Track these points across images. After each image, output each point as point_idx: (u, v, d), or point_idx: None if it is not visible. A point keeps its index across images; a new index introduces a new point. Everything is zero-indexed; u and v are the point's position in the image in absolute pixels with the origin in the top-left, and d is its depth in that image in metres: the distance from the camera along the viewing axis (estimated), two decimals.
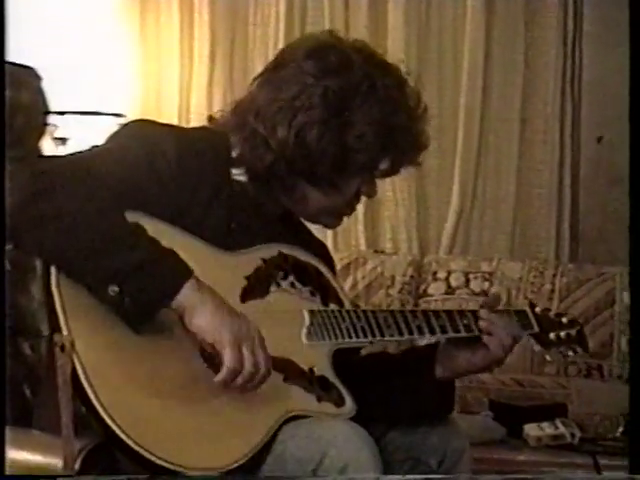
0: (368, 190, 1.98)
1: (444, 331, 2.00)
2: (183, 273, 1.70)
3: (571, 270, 3.54)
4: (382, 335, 1.95)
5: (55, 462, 1.66)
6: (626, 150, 3.71)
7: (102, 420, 1.61)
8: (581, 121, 3.87)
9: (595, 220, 3.84)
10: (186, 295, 1.68)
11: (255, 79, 1.96)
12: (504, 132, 3.89)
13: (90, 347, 1.66)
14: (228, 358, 1.70)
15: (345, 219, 2.03)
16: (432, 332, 1.99)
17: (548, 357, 2.23)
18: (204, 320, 1.70)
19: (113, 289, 1.66)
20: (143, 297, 1.68)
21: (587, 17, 3.83)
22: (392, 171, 1.98)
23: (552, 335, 2.17)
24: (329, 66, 1.88)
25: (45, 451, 1.70)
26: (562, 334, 2.18)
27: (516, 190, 3.87)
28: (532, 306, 2.19)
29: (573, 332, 2.20)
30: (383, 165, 1.94)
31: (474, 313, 2.04)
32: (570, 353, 2.20)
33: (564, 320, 2.21)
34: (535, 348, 2.16)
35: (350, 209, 2.00)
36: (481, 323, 2.01)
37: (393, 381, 2.02)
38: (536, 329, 2.15)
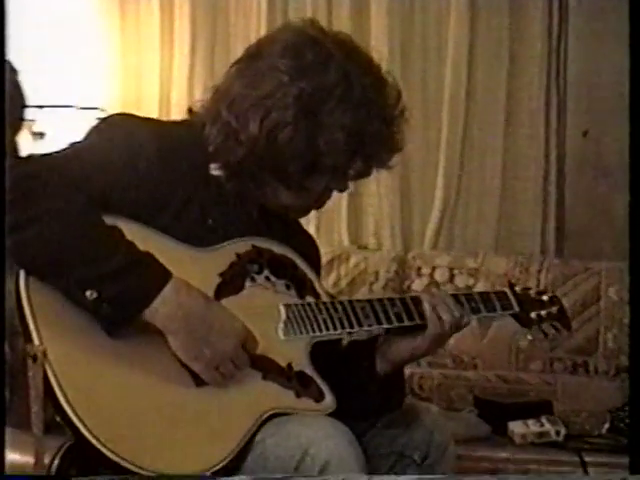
0: (338, 186, 1.95)
1: (423, 317, 1.96)
2: (159, 280, 1.70)
3: (557, 265, 3.53)
4: (360, 325, 1.93)
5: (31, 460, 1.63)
6: (611, 144, 3.71)
7: (75, 426, 1.60)
8: (567, 115, 3.85)
9: (581, 215, 3.83)
10: (160, 306, 1.68)
11: (233, 65, 1.92)
12: (489, 126, 3.87)
13: (62, 352, 1.64)
14: (206, 379, 1.74)
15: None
16: (411, 319, 1.96)
17: (529, 336, 2.20)
18: (179, 344, 1.71)
19: (91, 294, 1.65)
20: (121, 303, 1.67)
21: (572, 10, 3.82)
22: (364, 173, 1.95)
23: (533, 314, 2.16)
24: (305, 65, 1.84)
25: (21, 449, 1.65)
26: (543, 312, 2.18)
27: (501, 185, 3.85)
28: (512, 286, 2.18)
29: (554, 310, 2.19)
30: (354, 168, 1.91)
31: (455, 297, 2.01)
32: (552, 331, 2.18)
33: (544, 298, 2.20)
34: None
35: (319, 204, 1.97)
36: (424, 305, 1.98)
37: (339, 375, 1.96)
38: (516, 309, 2.14)
